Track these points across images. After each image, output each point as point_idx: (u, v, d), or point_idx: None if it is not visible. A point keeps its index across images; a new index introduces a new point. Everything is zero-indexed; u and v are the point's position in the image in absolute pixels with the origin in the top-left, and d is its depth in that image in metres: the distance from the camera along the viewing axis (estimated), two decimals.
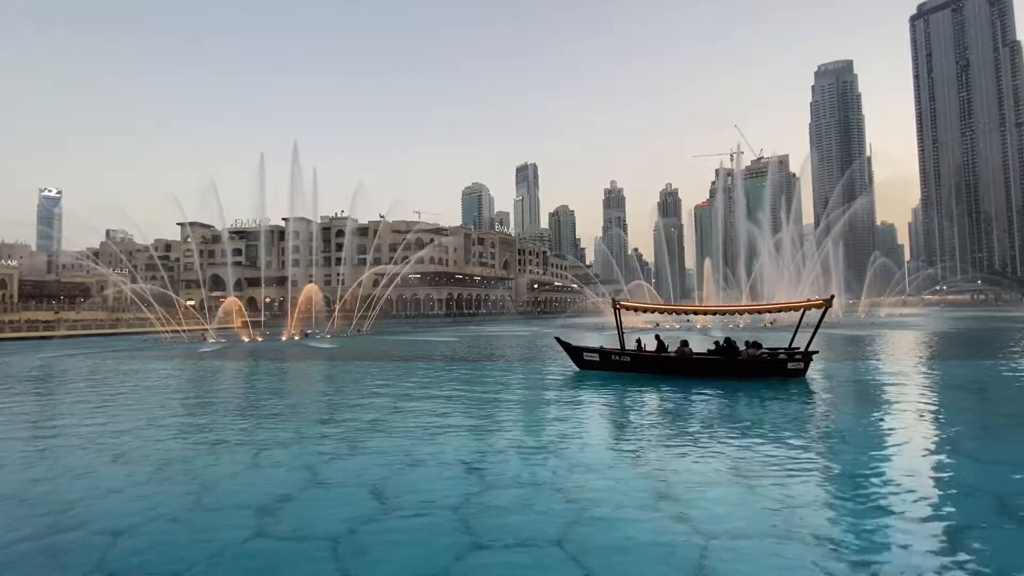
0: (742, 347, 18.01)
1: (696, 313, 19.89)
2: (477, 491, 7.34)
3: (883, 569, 5.10)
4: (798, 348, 17.75)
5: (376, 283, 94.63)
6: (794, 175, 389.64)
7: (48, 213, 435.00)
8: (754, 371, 17.35)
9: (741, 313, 19.86)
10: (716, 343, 18.77)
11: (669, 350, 18.87)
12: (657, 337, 19.81)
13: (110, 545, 5.86)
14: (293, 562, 5.42)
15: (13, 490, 7.85)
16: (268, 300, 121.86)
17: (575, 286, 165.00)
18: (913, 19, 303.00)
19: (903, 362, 22.58)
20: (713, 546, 5.54)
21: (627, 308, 19.79)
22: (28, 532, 6.28)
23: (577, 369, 19.91)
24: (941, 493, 7.23)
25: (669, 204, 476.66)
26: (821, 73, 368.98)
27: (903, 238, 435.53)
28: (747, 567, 5.16)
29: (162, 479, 8.23)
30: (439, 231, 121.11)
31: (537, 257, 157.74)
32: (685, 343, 18.79)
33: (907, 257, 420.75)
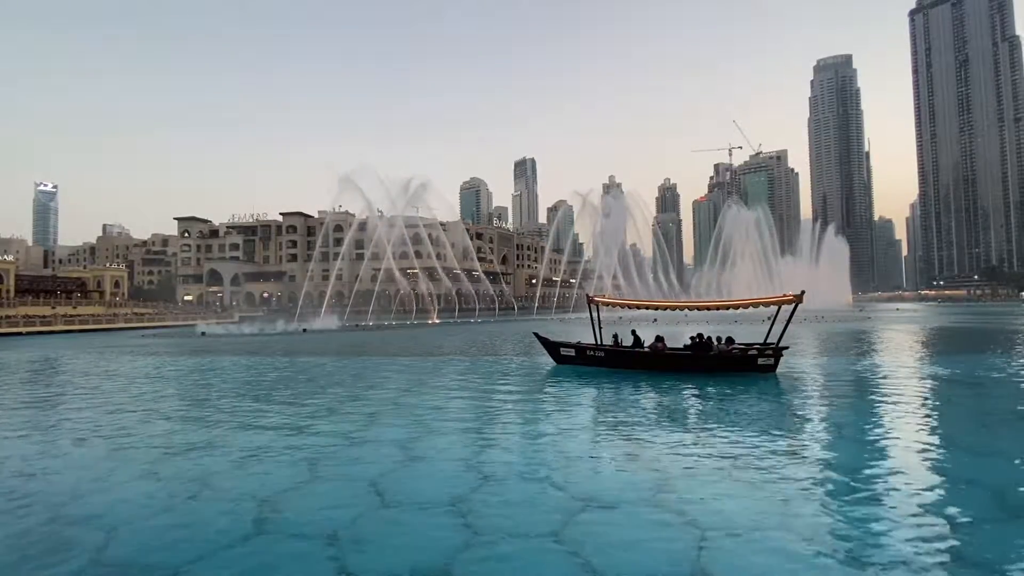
0: (716, 342, 18.46)
1: (672, 309, 20.31)
2: (462, 487, 7.39)
3: (880, 562, 5.07)
4: (771, 344, 18.19)
5: (374, 278, 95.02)
6: (792, 170, 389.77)
7: (44, 208, 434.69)
8: (725, 366, 17.79)
9: (718, 309, 20.25)
10: (691, 338, 19.22)
11: (644, 345, 19.31)
12: (634, 332, 20.24)
13: (107, 540, 5.89)
14: (291, 556, 5.47)
15: (9, 485, 7.88)
16: (266, 295, 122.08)
17: (573, 280, 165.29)
18: (912, 13, 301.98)
19: (883, 357, 22.76)
20: (709, 538, 5.61)
21: (603, 304, 20.21)
22: (24, 527, 6.31)
23: (555, 364, 20.37)
24: (933, 485, 7.18)
25: (668, 199, 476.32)
26: (820, 68, 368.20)
27: (901, 233, 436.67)
28: (743, 560, 5.16)
29: (159, 473, 8.29)
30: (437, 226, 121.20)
31: (536, 252, 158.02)
32: (660, 338, 19.22)
33: (905, 252, 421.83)
